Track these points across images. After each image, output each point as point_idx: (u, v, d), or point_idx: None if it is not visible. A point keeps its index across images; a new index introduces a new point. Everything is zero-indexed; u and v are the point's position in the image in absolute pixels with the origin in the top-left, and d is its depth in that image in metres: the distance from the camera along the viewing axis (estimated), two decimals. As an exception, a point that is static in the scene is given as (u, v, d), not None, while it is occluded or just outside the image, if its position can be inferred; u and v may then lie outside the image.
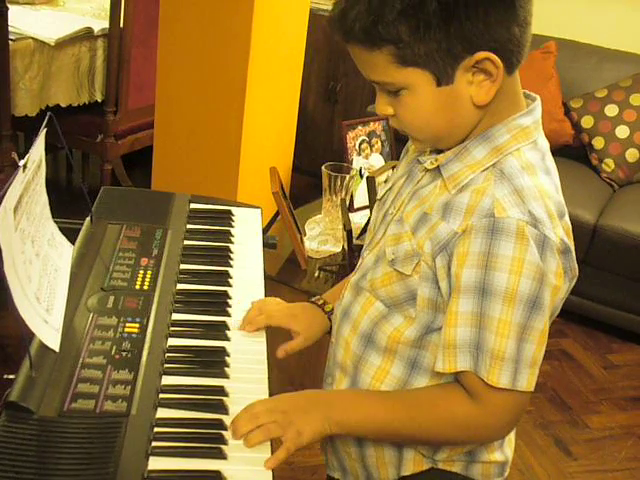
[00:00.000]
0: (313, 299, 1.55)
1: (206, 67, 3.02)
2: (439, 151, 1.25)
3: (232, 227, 1.82)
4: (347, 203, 2.61)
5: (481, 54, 1.10)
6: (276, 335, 1.49)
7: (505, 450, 1.36)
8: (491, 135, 1.19)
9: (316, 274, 2.51)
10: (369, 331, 1.30)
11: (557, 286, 1.16)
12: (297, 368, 2.34)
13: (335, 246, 2.61)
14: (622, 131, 3.68)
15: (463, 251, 1.14)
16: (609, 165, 3.69)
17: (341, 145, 2.94)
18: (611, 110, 3.72)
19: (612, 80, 3.84)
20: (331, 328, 1.46)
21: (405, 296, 1.24)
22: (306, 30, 3.36)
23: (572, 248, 1.20)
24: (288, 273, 2.49)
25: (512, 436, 1.39)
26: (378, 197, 1.40)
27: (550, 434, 2.85)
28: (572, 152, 3.71)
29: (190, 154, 3.17)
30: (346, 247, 2.60)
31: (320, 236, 2.66)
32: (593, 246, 3.37)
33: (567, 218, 1.23)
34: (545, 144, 1.25)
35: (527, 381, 1.15)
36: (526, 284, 1.12)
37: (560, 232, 1.17)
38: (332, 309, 1.49)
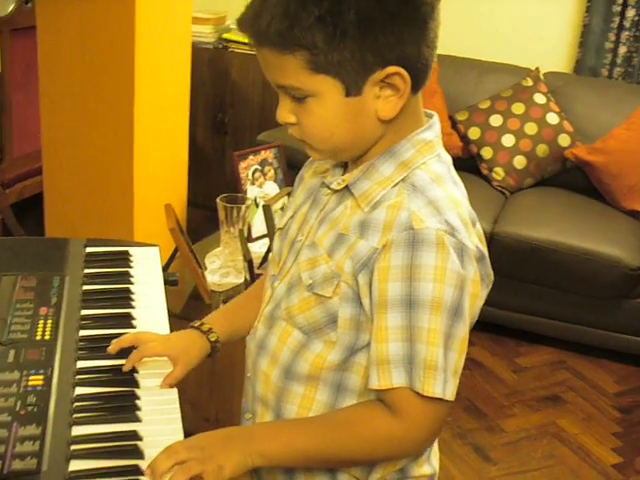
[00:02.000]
0: (192, 323, 1.50)
1: (91, 108, 2.97)
2: (344, 171, 1.26)
3: (131, 267, 1.79)
4: (245, 233, 2.60)
5: (392, 68, 1.12)
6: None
7: (432, 462, 1.36)
8: (397, 151, 1.20)
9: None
10: (290, 362, 1.28)
11: (475, 293, 1.18)
12: (210, 403, 2.30)
13: (237, 277, 2.59)
14: (508, 140, 3.78)
15: (385, 265, 1.14)
16: (499, 173, 3.79)
17: (234, 176, 2.93)
18: (496, 120, 3.82)
19: (494, 91, 3.95)
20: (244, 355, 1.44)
21: (325, 320, 1.22)
22: (190, 64, 3.34)
23: (487, 255, 1.22)
24: (192, 309, 2.46)
25: (436, 448, 1.39)
26: (280, 226, 1.39)
27: (468, 442, 2.88)
28: (462, 164, 3.78)
29: (82, 198, 3.10)
30: (248, 277, 2.59)
31: (221, 269, 2.64)
32: (491, 254, 3.38)
33: (479, 226, 1.26)
34: (448, 157, 1.27)
35: (451, 391, 1.16)
36: (449, 292, 1.13)
37: (475, 240, 1.20)
38: (217, 339, 1.46)
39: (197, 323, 1.49)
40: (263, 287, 1.44)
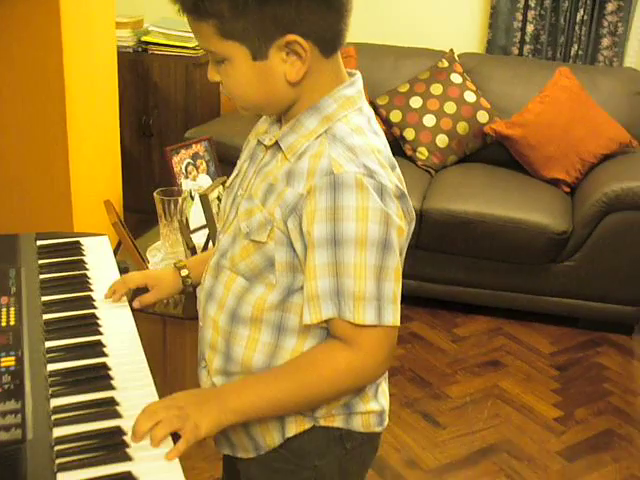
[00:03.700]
0: (174, 262, 1.69)
1: (23, 116, 2.97)
2: (279, 128, 1.36)
3: (84, 256, 1.83)
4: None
5: (290, 37, 1.22)
6: (153, 346, 1.51)
7: (380, 400, 1.45)
8: (320, 106, 1.30)
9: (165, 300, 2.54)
10: (235, 306, 1.37)
11: (400, 226, 1.27)
12: (165, 387, 2.35)
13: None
14: (429, 120, 3.90)
15: (311, 209, 1.24)
16: (423, 153, 3.90)
17: (163, 177, 2.98)
18: (415, 102, 3.94)
19: (411, 75, 4.08)
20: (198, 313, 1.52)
21: (264, 264, 1.32)
22: (116, 69, 3.37)
23: (407, 194, 1.31)
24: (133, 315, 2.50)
25: (385, 387, 1.48)
26: (227, 185, 1.48)
27: (416, 410, 2.98)
28: (387, 147, 3.89)
29: (20, 202, 3.10)
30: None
31: (163, 261, 2.68)
32: (422, 230, 3.54)
33: (398, 170, 1.35)
34: (370, 111, 1.37)
35: (392, 316, 1.26)
36: (374, 229, 1.22)
37: (394, 180, 1.29)
38: (188, 274, 1.64)
39: (176, 261, 1.67)
40: None
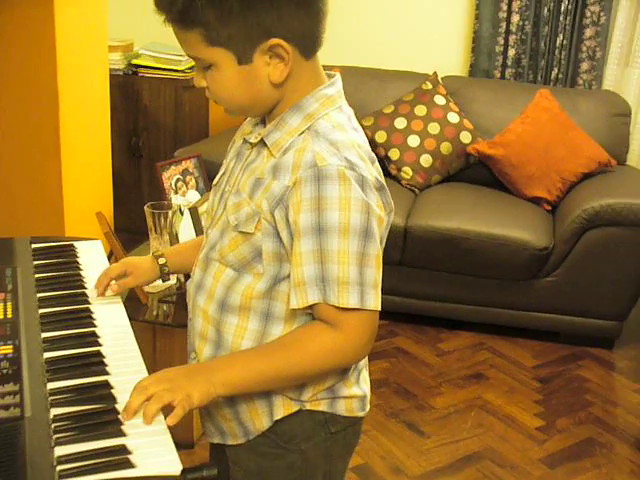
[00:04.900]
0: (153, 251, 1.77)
1: (17, 130, 3.04)
2: (263, 128, 1.44)
3: (78, 257, 1.89)
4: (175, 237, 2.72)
5: (274, 40, 1.30)
6: (143, 353, 1.56)
7: (362, 386, 1.52)
8: (302, 105, 1.38)
9: (156, 309, 2.61)
10: (224, 295, 1.44)
11: (380, 216, 1.36)
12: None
13: (170, 279, 2.70)
14: (413, 140, 3.99)
15: (297, 200, 1.31)
16: (407, 173, 3.99)
17: (153, 197, 3.05)
18: (400, 123, 4.03)
19: (396, 97, 4.17)
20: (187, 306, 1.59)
21: (252, 255, 1.39)
22: (108, 90, 3.44)
23: (385, 186, 1.40)
24: (131, 309, 2.51)
25: (366, 374, 1.56)
26: (214, 183, 1.56)
27: (401, 420, 3.03)
28: (372, 167, 3.97)
29: (11, 219, 3.16)
30: (182, 278, 2.71)
31: (154, 273, 2.74)
32: (406, 247, 3.62)
33: (377, 165, 1.43)
34: (349, 109, 1.45)
35: (374, 301, 1.33)
36: (356, 218, 1.30)
37: (374, 172, 1.38)
38: (165, 262, 1.72)
39: (153, 250, 1.76)
40: None
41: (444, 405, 3.17)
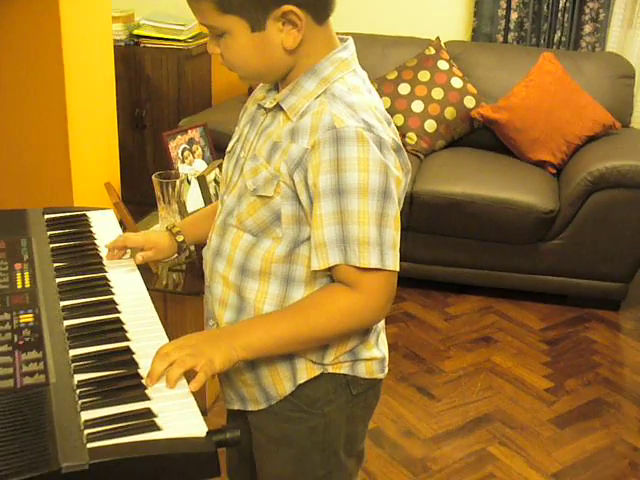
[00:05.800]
0: (167, 226, 1.76)
1: (24, 109, 3.04)
2: (277, 93, 1.44)
3: (91, 227, 1.90)
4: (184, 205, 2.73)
5: (286, 7, 1.31)
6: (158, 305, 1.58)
7: (381, 348, 1.55)
8: (317, 69, 1.39)
9: (165, 278, 2.63)
10: (243, 261, 1.45)
11: (398, 177, 1.36)
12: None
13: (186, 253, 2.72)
14: (417, 106, 3.99)
15: (316, 162, 1.32)
16: (412, 138, 3.99)
17: (158, 168, 3.04)
18: (404, 89, 4.03)
19: (399, 62, 4.16)
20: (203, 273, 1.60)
21: (271, 219, 1.40)
22: (113, 61, 3.43)
23: (402, 147, 1.40)
24: (142, 277, 2.58)
25: (384, 336, 1.59)
26: (228, 150, 1.57)
27: (411, 384, 3.07)
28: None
29: (19, 193, 3.17)
30: (191, 247, 2.72)
31: (164, 242, 2.76)
32: (412, 212, 3.63)
33: (394, 126, 1.44)
34: (363, 73, 1.46)
35: (392, 261, 1.34)
36: (374, 178, 1.31)
37: (391, 134, 1.38)
38: (183, 239, 1.72)
39: (170, 226, 1.74)
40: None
41: (453, 368, 3.20)
